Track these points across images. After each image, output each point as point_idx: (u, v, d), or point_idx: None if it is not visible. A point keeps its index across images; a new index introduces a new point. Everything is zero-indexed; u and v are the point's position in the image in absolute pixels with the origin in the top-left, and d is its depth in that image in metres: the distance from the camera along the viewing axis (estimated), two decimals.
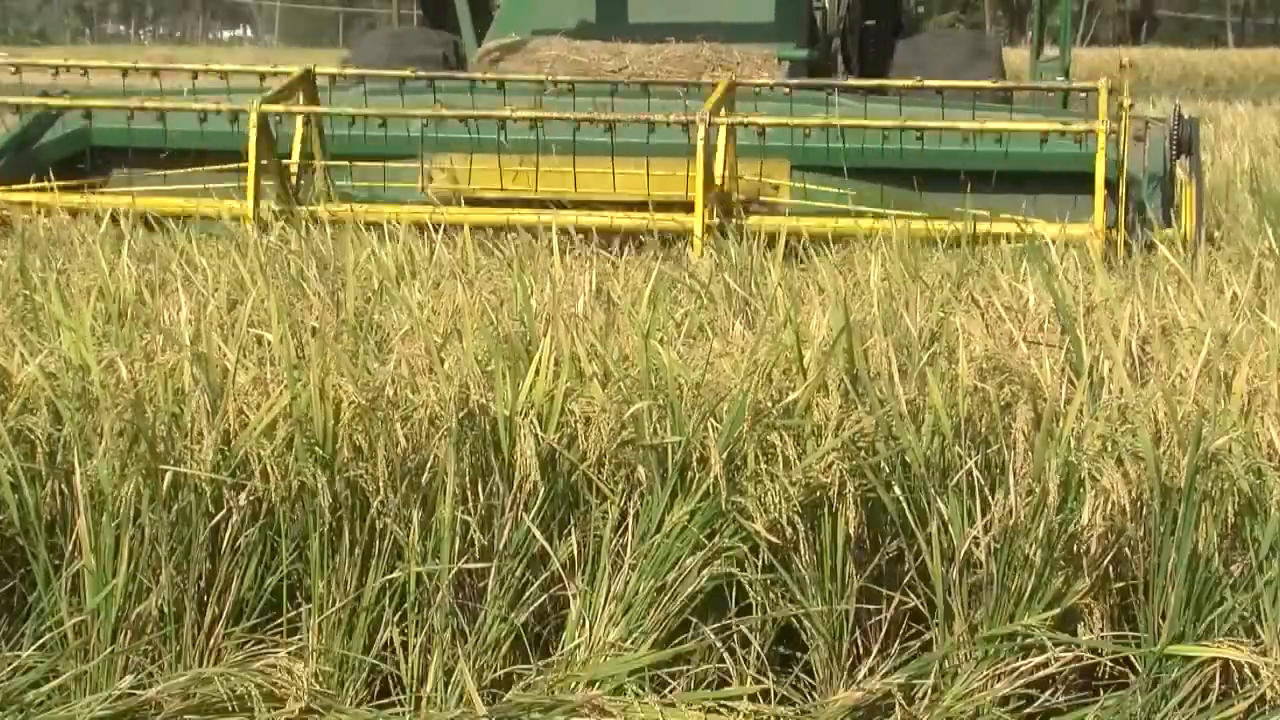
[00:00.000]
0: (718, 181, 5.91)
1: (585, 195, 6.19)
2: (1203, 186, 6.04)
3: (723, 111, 6.00)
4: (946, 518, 3.34)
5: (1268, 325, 3.81)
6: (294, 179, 6.28)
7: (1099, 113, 5.85)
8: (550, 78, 6.73)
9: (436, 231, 5.23)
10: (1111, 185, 5.80)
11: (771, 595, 3.42)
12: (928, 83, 6.47)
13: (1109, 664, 3.38)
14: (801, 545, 3.38)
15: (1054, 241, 5.15)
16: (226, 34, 70.70)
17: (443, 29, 9.60)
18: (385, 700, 3.39)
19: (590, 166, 6.21)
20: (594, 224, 5.75)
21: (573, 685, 3.30)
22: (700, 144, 5.77)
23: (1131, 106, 6.02)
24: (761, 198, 6.30)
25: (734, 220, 5.82)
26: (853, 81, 7.37)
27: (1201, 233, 5.75)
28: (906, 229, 5.39)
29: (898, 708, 3.30)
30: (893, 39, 9.59)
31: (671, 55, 7.66)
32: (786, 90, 6.58)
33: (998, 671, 3.31)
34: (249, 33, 66.94)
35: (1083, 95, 6.18)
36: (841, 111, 6.52)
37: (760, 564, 3.40)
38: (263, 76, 6.74)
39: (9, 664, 3.35)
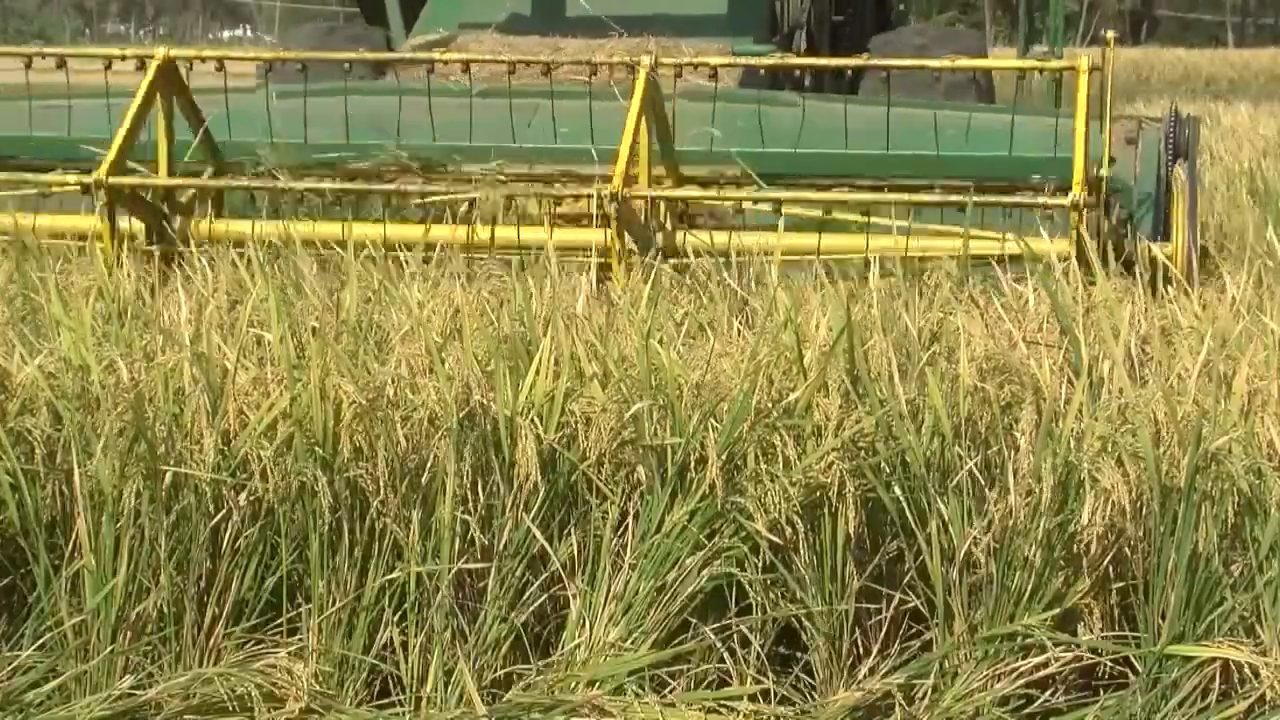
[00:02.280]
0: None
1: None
2: (1196, 196, 5.33)
3: (648, 112, 5.17)
4: (946, 518, 3.34)
5: (1267, 325, 3.81)
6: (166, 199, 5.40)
7: (1078, 97, 5.05)
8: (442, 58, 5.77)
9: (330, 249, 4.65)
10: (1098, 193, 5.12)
11: (771, 595, 3.41)
12: (879, 62, 5.70)
13: (1109, 664, 3.38)
14: (801, 545, 3.38)
15: (1029, 259, 4.59)
16: (226, 34, 70.72)
17: (379, 25, 8.90)
18: (385, 700, 3.39)
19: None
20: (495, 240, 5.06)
21: (573, 685, 3.30)
22: (613, 221, 4.90)
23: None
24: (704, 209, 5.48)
25: (657, 240, 5.08)
26: (795, 60, 6.46)
27: (1195, 251, 5.09)
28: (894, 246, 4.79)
29: (898, 708, 3.30)
30: (874, 35, 8.89)
31: (613, 52, 6.70)
32: (711, 73, 5.54)
33: (997, 671, 3.31)
34: (249, 32, 66.97)
35: (1057, 78, 5.59)
36: (812, 111, 5.79)
37: (760, 564, 3.39)
38: (109, 63, 5.59)
39: (9, 664, 3.35)
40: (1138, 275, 4.42)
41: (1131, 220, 5.39)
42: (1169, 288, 4.50)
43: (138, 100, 5.29)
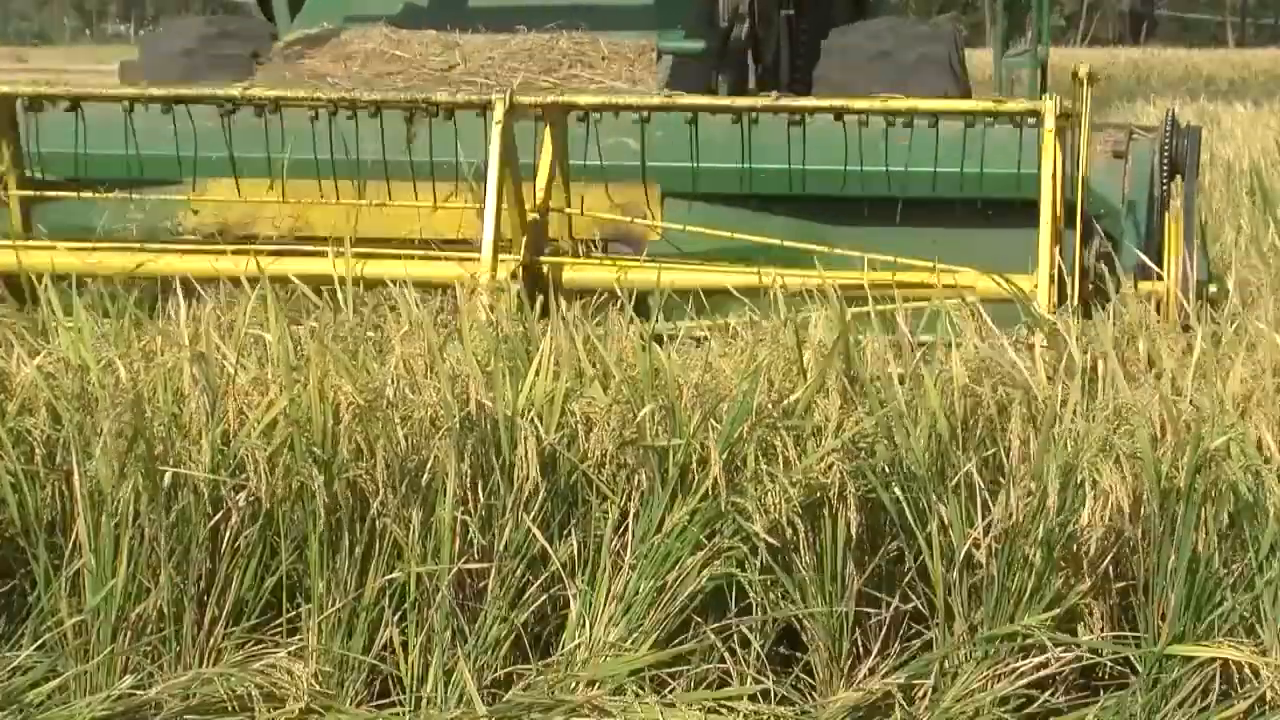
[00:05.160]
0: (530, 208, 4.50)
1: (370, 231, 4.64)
2: (1194, 222, 4.54)
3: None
4: (946, 519, 3.34)
5: (1268, 324, 3.81)
6: None
7: (1042, 158, 4.24)
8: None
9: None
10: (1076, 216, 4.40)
11: (771, 595, 3.42)
12: (805, 102, 4.75)
13: (1109, 664, 3.38)
14: (802, 546, 3.38)
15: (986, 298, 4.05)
16: None
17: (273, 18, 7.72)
18: (385, 700, 3.39)
19: (380, 193, 4.66)
20: (360, 271, 4.32)
21: (573, 685, 3.31)
22: (496, 141, 4.25)
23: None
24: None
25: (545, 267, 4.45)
26: (708, 100, 5.04)
27: (1190, 286, 4.34)
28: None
29: (898, 708, 3.30)
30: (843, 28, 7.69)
31: (519, 48, 6.07)
32: (643, 115, 4.67)
33: (998, 672, 3.32)
34: None
35: (1031, 123, 4.39)
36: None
37: (760, 564, 3.39)
38: None
39: (9, 664, 3.35)
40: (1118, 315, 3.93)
41: (1117, 250, 4.66)
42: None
43: None
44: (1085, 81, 4.42)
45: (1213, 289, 4.41)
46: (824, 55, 7.15)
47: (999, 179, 4.53)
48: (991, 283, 4.17)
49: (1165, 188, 4.75)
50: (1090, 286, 4.34)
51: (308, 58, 6.20)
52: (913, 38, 7.41)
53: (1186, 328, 4.05)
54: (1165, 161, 4.77)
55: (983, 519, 3.32)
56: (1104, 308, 4.14)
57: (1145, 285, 4.33)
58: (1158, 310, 4.24)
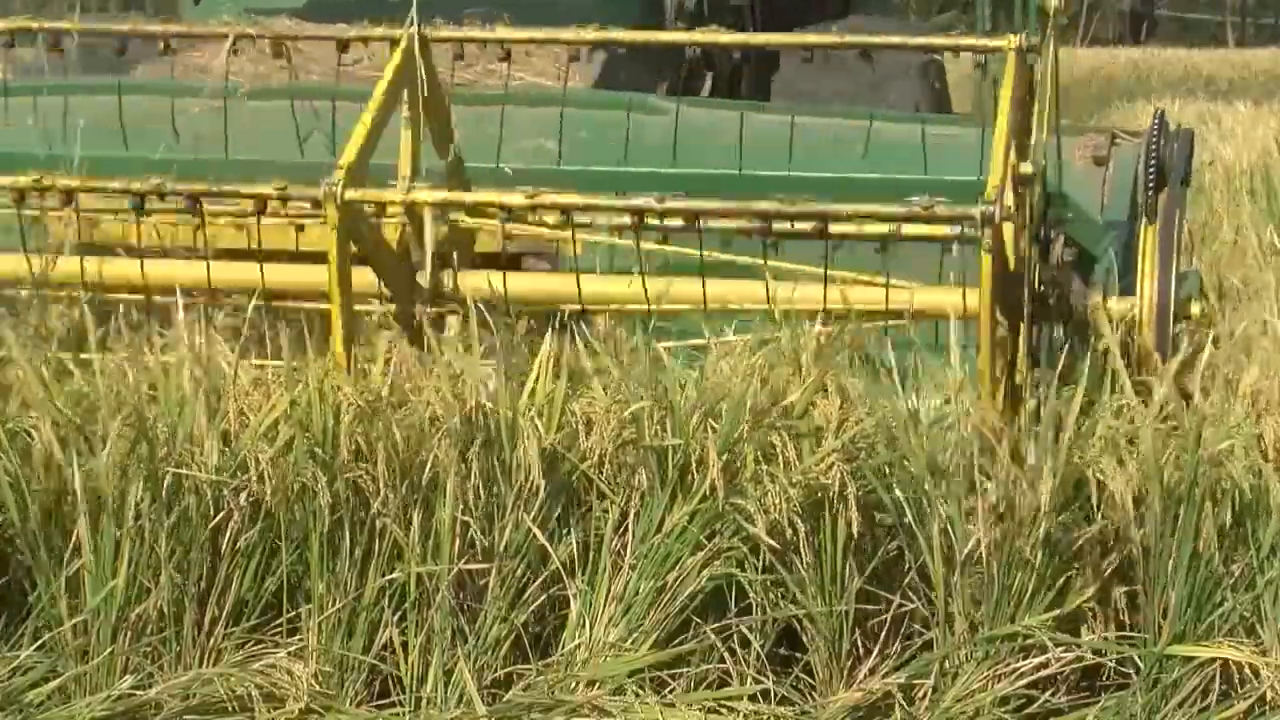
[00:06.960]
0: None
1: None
2: (1174, 235, 3.93)
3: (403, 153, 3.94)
4: (946, 519, 3.34)
5: (1269, 324, 3.80)
6: None
7: (1005, 81, 3.71)
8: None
9: None
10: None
11: (772, 596, 3.41)
12: (738, 37, 4.32)
13: (1110, 664, 3.38)
14: (802, 546, 3.38)
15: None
16: None
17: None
18: (385, 700, 3.39)
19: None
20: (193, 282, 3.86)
21: (573, 685, 3.31)
22: (333, 231, 3.58)
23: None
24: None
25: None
26: (616, 34, 4.54)
27: (1168, 307, 3.83)
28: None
29: (898, 708, 3.30)
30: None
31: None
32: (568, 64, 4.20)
33: (998, 672, 3.32)
34: None
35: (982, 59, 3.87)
36: (689, 120, 4.42)
37: (760, 565, 3.39)
38: None
39: (9, 664, 3.35)
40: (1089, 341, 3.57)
41: (1089, 264, 4.15)
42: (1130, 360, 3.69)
43: None
44: (1054, 11, 3.78)
45: (1196, 309, 3.91)
46: (785, 58, 6.40)
47: (957, 187, 3.83)
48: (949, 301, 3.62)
49: (1151, 197, 4.13)
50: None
51: (195, 52, 5.63)
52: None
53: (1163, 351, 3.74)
54: (1151, 168, 4.14)
55: (983, 518, 3.32)
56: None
57: (1116, 306, 3.82)
58: (1131, 332, 3.82)
